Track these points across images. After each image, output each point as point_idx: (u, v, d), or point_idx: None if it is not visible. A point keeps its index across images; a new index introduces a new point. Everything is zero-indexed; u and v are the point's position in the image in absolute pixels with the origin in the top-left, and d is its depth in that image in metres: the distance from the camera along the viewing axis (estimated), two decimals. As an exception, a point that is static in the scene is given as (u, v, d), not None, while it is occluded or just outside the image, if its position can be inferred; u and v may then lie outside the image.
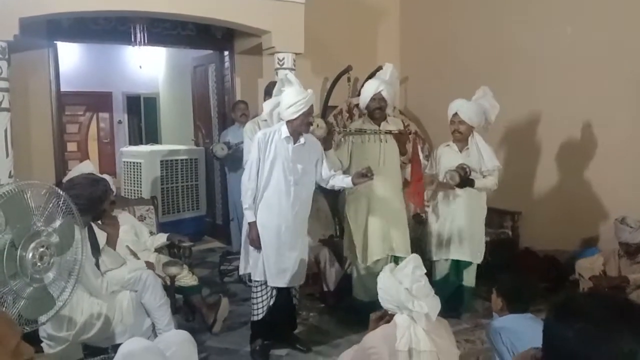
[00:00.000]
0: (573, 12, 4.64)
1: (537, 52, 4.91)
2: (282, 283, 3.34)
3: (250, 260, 3.39)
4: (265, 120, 3.68)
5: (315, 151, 3.41)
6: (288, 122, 3.23)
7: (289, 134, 3.23)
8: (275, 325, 3.45)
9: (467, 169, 3.78)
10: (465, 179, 3.76)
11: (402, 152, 3.85)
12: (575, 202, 4.63)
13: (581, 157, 4.62)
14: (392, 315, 2.10)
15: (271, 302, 3.37)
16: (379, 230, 3.79)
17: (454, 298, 3.94)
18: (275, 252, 3.29)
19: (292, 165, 3.25)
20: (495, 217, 5.03)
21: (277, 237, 3.29)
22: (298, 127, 3.22)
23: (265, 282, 3.34)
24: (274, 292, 3.37)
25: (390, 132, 3.80)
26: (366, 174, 3.25)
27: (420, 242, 4.19)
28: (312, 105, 3.24)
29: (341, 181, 3.40)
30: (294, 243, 3.34)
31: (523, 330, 2.38)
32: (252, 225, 3.31)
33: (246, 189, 3.29)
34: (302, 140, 3.28)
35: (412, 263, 2.12)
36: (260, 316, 3.38)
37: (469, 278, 4.03)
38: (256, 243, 3.31)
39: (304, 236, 3.45)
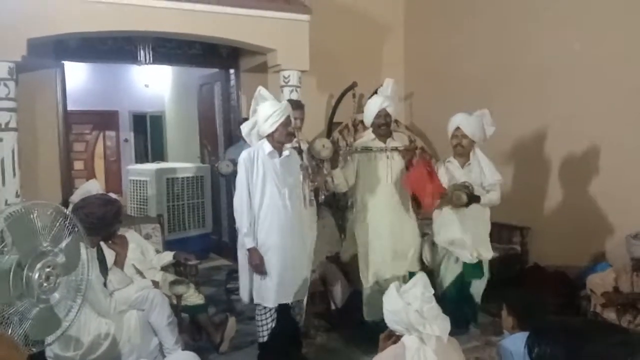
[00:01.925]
0: (579, 28, 4.63)
1: (544, 67, 4.91)
2: (287, 299, 3.30)
3: (249, 284, 3.34)
4: None
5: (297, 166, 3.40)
6: (268, 137, 3.21)
7: (272, 149, 3.22)
8: (282, 346, 3.40)
9: (470, 187, 3.75)
10: (471, 197, 3.73)
11: (409, 169, 3.83)
12: (585, 217, 4.58)
13: (590, 171, 4.58)
14: (399, 336, 2.06)
15: (273, 325, 3.32)
16: (388, 250, 3.75)
17: (461, 314, 3.89)
18: (280, 269, 3.24)
19: (282, 179, 3.23)
20: (504, 232, 5.00)
21: (283, 254, 3.24)
22: (279, 138, 3.20)
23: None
24: (275, 314, 3.31)
25: (396, 149, 3.78)
26: None
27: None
28: (289, 116, 3.22)
29: None
30: (298, 257, 3.31)
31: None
32: (253, 251, 3.23)
33: (241, 213, 3.22)
34: (286, 152, 3.27)
35: (421, 283, 2.09)
36: (265, 338, 3.34)
37: (477, 294, 3.99)
38: (260, 268, 3.23)
39: (308, 249, 3.42)
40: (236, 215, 3.28)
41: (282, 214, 3.23)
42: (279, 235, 3.23)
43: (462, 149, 3.86)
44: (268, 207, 3.22)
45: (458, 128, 3.84)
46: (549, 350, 1.28)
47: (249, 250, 3.25)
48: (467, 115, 3.87)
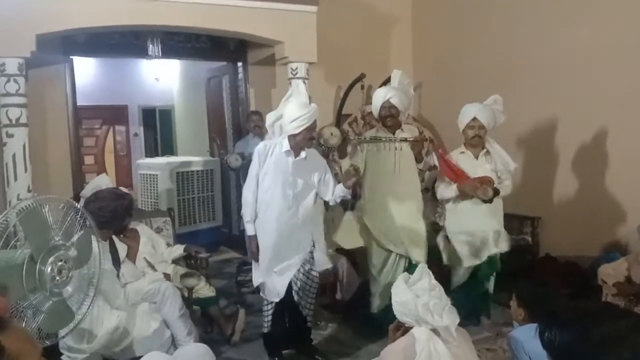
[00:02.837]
0: (590, 17, 4.57)
1: (553, 56, 4.85)
2: (276, 297, 3.32)
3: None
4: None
5: (318, 166, 3.34)
6: (290, 136, 3.16)
7: (289, 148, 3.17)
8: (284, 336, 3.45)
9: (491, 180, 3.73)
10: (496, 190, 3.71)
11: (418, 160, 3.81)
12: (596, 206, 4.55)
13: (601, 161, 4.54)
14: (408, 328, 2.06)
15: (270, 318, 3.37)
16: (394, 234, 3.75)
17: (472, 305, 3.88)
18: (270, 264, 3.27)
19: (292, 179, 3.20)
20: (514, 222, 4.96)
21: (274, 251, 3.25)
22: (300, 142, 3.16)
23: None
24: (275, 305, 3.35)
25: (405, 140, 3.77)
26: (352, 172, 3.29)
27: (436, 250, 4.12)
28: (315, 121, 3.17)
29: (339, 190, 3.33)
30: (291, 258, 3.27)
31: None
32: (252, 238, 3.29)
33: (247, 202, 3.26)
34: (303, 154, 3.21)
35: (426, 275, 2.08)
36: (266, 330, 3.40)
37: (489, 284, 3.98)
38: (256, 256, 3.30)
39: (304, 252, 3.32)
40: (243, 202, 3.31)
41: (284, 214, 3.21)
42: (274, 233, 3.22)
43: (480, 139, 3.83)
44: (271, 202, 3.22)
45: (475, 119, 3.80)
46: (559, 334, 1.26)
47: (249, 237, 3.30)
48: (482, 105, 3.84)
